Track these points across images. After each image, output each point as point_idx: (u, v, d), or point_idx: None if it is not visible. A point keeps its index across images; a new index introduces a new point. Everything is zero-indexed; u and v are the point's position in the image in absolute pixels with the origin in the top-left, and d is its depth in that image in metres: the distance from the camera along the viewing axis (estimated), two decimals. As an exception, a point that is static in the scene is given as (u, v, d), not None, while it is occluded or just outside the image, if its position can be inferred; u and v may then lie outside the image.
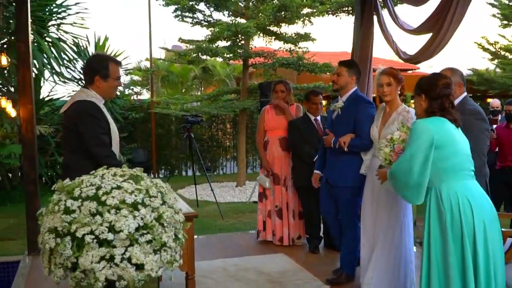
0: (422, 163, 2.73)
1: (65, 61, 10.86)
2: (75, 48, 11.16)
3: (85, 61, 5.96)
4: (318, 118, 5.22)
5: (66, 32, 10.74)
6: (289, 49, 10.95)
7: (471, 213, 2.69)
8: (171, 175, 12.03)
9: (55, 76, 10.70)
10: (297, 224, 5.49)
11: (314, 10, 10.04)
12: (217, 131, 13.10)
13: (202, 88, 19.23)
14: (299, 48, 11.38)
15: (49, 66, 10.24)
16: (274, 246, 5.40)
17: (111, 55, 11.60)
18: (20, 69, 5.08)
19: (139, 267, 1.97)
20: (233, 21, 9.82)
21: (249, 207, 8.76)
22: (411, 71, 20.47)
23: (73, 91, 12.02)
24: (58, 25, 10.61)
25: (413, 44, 5.25)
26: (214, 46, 9.85)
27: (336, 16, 10.42)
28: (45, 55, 9.92)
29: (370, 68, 6.24)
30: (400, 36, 6.29)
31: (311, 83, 10.85)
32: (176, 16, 10.37)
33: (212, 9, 10.54)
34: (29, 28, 5.14)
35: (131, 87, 16.22)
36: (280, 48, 11.36)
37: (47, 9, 10.37)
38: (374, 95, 6.20)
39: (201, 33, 13.54)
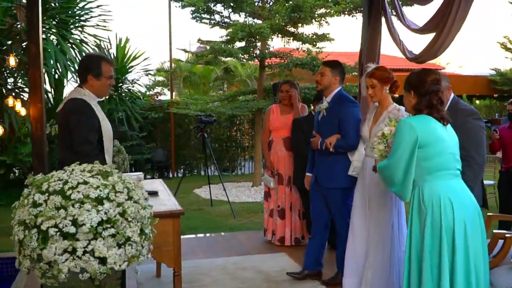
0: (407, 162, 2.72)
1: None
2: (97, 50, 11.42)
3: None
4: None
5: (89, 34, 11.01)
6: (306, 50, 10.95)
7: (452, 213, 2.67)
8: (184, 175, 12.14)
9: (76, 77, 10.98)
10: (301, 224, 5.51)
11: (329, 10, 10.00)
12: (236, 131, 13.18)
13: (226, 89, 19.37)
14: (317, 48, 11.38)
15: (71, 68, 10.52)
16: (276, 246, 5.43)
17: (131, 55, 11.85)
18: (31, 70, 5.22)
19: (103, 260, 2.03)
20: (247, 22, 9.87)
21: (262, 207, 8.76)
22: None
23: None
24: (81, 27, 10.87)
25: (421, 43, 5.20)
26: (228, 47, 9.90)
27: (352, 16, 10.36)
28: (67, 56, 10.18)
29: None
30: (408, 35, 6.20)
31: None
32: (194, 18, 10.49)
33: (229, 10, 10.62)
34: (40, 30, 5.28)
35: (155, 88, 16.50)
36: (297, 48, 11.36)
37: (70, 12, 10.64)
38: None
39: (220, 34, 13.69)
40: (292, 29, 11.12)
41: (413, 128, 2.73)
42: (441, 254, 2.62)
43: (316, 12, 10.01)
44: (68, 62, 10.31)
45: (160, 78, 18.38)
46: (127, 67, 11.88)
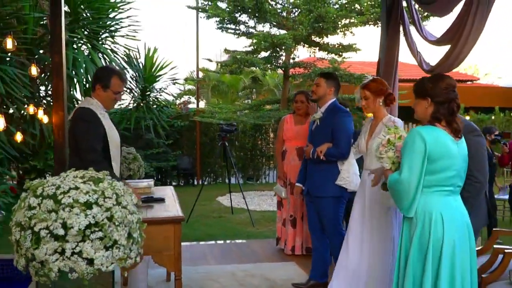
0: (419, 174, 2.62)
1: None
2: (126, 59, 11.76)
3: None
4: None
5: (119, 44, 11.34)
6: (330, 59, 11.01)
7: (442, 230, 2.61)
8: (209, 182, 12.26)
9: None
10: (313, 233, 5.54)
11: (353, 21, 10.03)
12: (260, 140, 13.28)
13: (254, 97, 19.53)
14: (343, 58, 11.43)
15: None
16: (287, 256, 5.48)
17: (158, 64, 12.13)
18: (54, 79, 5.45)
19: (90, 261, 2.15)
20: (271, 33, 9.99)
21: (282, 216, 8.85)
22: (470, 82, 19.75)
23: (122, 99, 12.66)
24: (112, 37, 11.20)
25: (440, 54, 5.17)
26: (250, 56, 10.04)
27: (377, 26, 10.36)
28: (97, 66, 10.51)
29: (396, 77, 6.21)
30: (426, 46, 6.17)
31: (351, 94, 10.82)
32: (219, 28, 10.68)
33: (254, 20, 10.78)
34: (63, 40, 5.51)
35: (183, 96, 16.81)
36: (322, 58, 11.44)
37: (100, 22, 10.99)
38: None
39: (245, 44, 13.86)
40: (317, 39, 11.21)
41: (424, 140, 2.62)
42: (425, 269, 2.60)
43: (340, 23, 10.04)
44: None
45: (190, 87, 18.69)
46: (155, 76, 12.17)
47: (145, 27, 11.90)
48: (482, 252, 3.43)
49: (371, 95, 3.73)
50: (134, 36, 11.36)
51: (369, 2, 10.19)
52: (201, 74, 17.09)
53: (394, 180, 2.75)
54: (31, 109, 4.96)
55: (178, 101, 14.85)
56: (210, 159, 12.54)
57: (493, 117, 15.00)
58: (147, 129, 11.75)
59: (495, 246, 3.13)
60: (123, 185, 2.42)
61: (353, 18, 10.04)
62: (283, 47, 10.24)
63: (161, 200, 3.86)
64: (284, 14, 10.83)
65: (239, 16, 10.60)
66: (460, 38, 4.78)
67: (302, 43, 11.25)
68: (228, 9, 10.46)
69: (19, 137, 4.90)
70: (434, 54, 5.45)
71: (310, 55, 12.04)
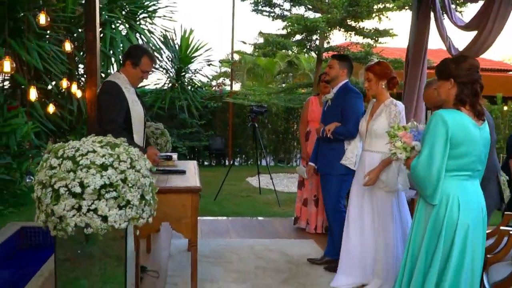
0: (440, 157, 2.60)
1: (155, 52, 11.71)
2: (162, 40, 12.01)
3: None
4: None
5: (156, 25, 11.58)
6: (365, 44, 10.94)
7: (458, 214, 2.63)
8: (240, 163, 12.40)
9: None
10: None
11: (388, 5, 9.91)
12: (292, 123, 13.34)
13: (291, 81, 19.53)
14: (379, 43, 11.33)
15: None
16: (307, 234, 5.59)
17: (194, 46, 12.32)
18: (88, 56, 5.68)
19: (105, 218, 2.33)
20: (306, 16, 9.99)
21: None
22: (510, 72, 19.14)
23: (158, 79, 12.96)
24: (149, 17, 11.44)
25: (468, 41, 5.13)
26: (282, 39, 10.08)
27: (413, 11, 10.19)
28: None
29: (424, 62, 6.18)
30: (456, 32, 6.07)
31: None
32: (254, 10, 10.75)
33: (290, 3, 10.79)
34: (97, 18, 5.72)
35: (219, 78, 17.01)
36: (357, 43, 11.37)
37: (138, 3, 11.23)
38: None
39: (280, 27, 13.76)
40: (353, 24, 11.14)
41: (446, 124, 2.58)
42: (436, 250, 2.64)
43: (374, 7, 9.94)
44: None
45: (226, 69, 18.87)
46: (190, 57, 12.38)
47: (182, 9, 12.19)
48: (492, 234, 3.45)
49: (374, 77, 3.81)
50: (171, 17, 11.61)
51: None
52: (237, 57, 17.23)
53: (414, 165, 2.71)
54: (64, 83, 5.18)
55: (213, 83, 15.06)
56: (242, 141, 12.70)
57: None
58: (181, 109, 12.01)
59: (501, 228, 3.16)
60: (139, 151, 2.58)
61: (388, 2, 9.92)
62: (317, 31, 10.22)
63: (182, 172, 4.03)
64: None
65: (274, -2, 10.64)
66: (486, 24, 4.76)
67: (337, 27, 11.18)
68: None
69: (51, 108, 5.14)
70: (464, 40, 5.40)
71: (345, 40, 11.95)
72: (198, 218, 6.26)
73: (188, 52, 12.26)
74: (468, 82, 2.65)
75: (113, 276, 2.64)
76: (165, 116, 11.72)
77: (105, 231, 2.33)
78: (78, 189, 2.28)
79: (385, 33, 10.93)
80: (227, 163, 12.92)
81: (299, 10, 11.27)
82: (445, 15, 5.76)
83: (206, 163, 13.11)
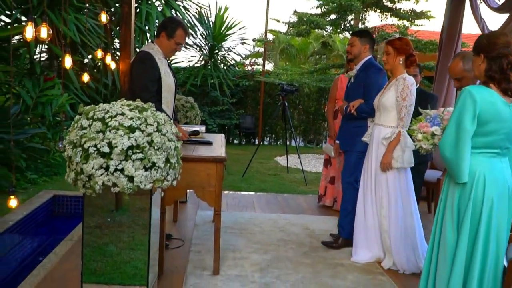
0: (468, 134, 2.58)
1: (189, 29, 11.81)
2: (197, 16, 12.08)
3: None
4: None
5: (191, 1, 11.64)
6: (401, 25, 10.77)
7: (483, 191, 2.63)
8: (270, 143, 12.42)
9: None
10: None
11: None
12: (324, 104, 13.28)
13: (324, 62, 19.38)
14: (415, 25, 11.14)
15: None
16: (331, 211, 5.64)
17: (228, 24, 12.36)
18: (123, 28, 5.81)
19: (131, 178, 2.44)
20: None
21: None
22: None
23: (191, 56, 13.08)
24: (185, -7, 11.51)
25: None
26: (317, 18, 10.01)
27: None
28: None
29: (458, 44, 6.09)
30: (492, 15, 5.91)
31: (423, 62, 10.57)
32: (289, -12, 10.66)
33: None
34: (133, -8, 5.84)
35: (253, 58, 17.02)
36: (393, 24, 11.20)
37: (174, -21, 11.30)
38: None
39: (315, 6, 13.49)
40: (389, 4, 10.97)
41: (475, 100, 2.56)
42: (462, 228, 2.66)
43: (412, -13, 9.76)
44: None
45: (260, 49, 18.83)
46: (224, 35, 12.42)
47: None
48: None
49: (393, 51, 3.82)
50: (207, -6, 11.69)
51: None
52: (271, 37, 17.17)
53: (441, 143, 2.71)
54: (99, 53, 5.31)
55: (246, 62, 15.09)
56: (272, 120, 12.77)
57: None
58: (213, 87, 12.11)
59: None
60: (166, 116, 2.67)
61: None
62: (352, 10, 10.10)
63: (209, 143, 4.13)
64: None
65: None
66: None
67: (373, 7, 11.03)
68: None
69: (86, 78, 5.29)
70: (498, 23, 5.29)
71: (381, 21, 11.79)
72: (225, 192, 6.47)
73: (222, 30, 12.30)
74: (496, 57, 2.61)
75: (140, 243, 2.77)
76: (197, 93, 11.85)
77: (131, 190, 2.44)
78: (106, 149, 2.39)
79: (422, 14, 10.73)
80: (256, 142, 13.01)
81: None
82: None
83: (236, 141, 13.23)
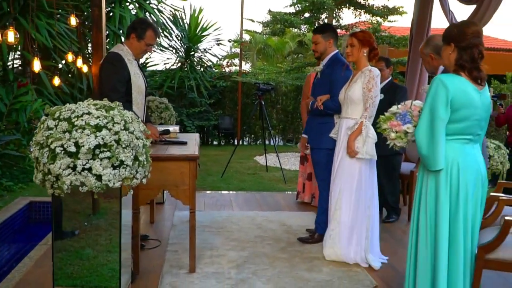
0: (442, 121, 2.61)
1: (164, 31, 11.78)
2: (172, 19, 12.07)
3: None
4: None
5: (165, 4, 11.61)
6: (375, 22, 10.90)
7: (457, 177, 2.67)
8: (249, 143, 12.46)
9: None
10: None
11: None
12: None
13: (301, 61, 19.46)
14: (389, 21, 11.28)
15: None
16: (309, 207, 5.69)
17: (203, 25, 12.37)
18: (94, 31, 5.77)
19: (99, 177, 2.44)
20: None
21: (313, 175, 9.04)
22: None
23: (167, 58, 13.06)
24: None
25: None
26: (290, 17, 10.07)
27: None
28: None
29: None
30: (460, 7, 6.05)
31: (396, 57, 10.70)
32: (262, -12, 10.72)
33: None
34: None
35: (231, 59, 17.04)
36: (368, 21, 11.33)
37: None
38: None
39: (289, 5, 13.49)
40: (362, 1, 11.09)
41: (447, 88, 2.59)
42: (441, 216, 2.70)
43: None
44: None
45: (237, 50, 18.84)
46: (200, 36, 12.42)
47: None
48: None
49: (357, 43, 3.87)
50: (181, -4, 11.68)
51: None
52: (247, 37, 17.21)
53: (416, 132, 2.74)
54: (70, 57, 5.28)
55: (223, 63, 15.11)
56: (251, 120, 12.80)
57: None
58: (190, 89, 12.10)
59: (491, 193, 3.21)
60: (133, 114, 2.68)
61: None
62: (325, 8, 10.18)
63: (183, 143, 4.13)
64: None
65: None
66: (483, -1, 4.76)
67: (346, 4, 11.14)
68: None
69: (57, 81, 5.26)
70: (467, 15, 5.39)
71: (355, 18, 11.90)
72: (204, 192, 6.46)
73: (197, 32, 12.31)
74: (466, 47, 2.64)
75: (117, 246, 2.80)
76: (174, 95, 11.83)
77: (100, 189, 2.44)
78: (73, 149, 2.38)
79: (394, 10, 10.88)
80: (236, 142, 13.03)
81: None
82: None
83: (215, 142, 13.23)
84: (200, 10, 12.31)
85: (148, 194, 3.58)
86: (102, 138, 2.43)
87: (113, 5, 10.05)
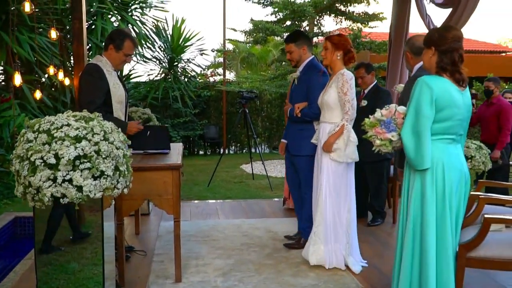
0: (428, 121, 2.68)
1: (147, 43, 11.78)
2: (154, 30, 12.07)
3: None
4: None
5: (147, 15, 11.61)
6: (356, 28, 11.02)
7: (443, 176, 2.73)
8: (235, 152, 12.47)
9: (136, 56, 11.70)
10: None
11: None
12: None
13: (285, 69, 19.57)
14: (369, 27, 11.42)
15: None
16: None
17: (186, 35, 12.38)
18: (75, 44, 5.77)
19: (80, 188, 2.44)
20: (289, 1, 10.05)
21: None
22: (504, 53, 19.28)
23: (151, 69, 13.06)
24: (141, 8, 11.48)
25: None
26: (272, 25, 10.16)
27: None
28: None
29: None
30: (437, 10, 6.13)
31: (378, 62, 10.83)
32: (244, -2, 10.82)
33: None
34: (84, 7, 5.81)
35: (215, 68, 17.08)
36: (349, 27, 11.44)
37: (129, -6, 11.28)
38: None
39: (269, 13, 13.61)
40: (342, 8, 11.21)
41: (431, 88, 2.67)
42: (427, 214, 2.75)
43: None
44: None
45: (221, 59, 18.90)
46: (183, 46, 12.44)
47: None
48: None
49: (331, 47, 3.90)
50: (163, 7, 11.67)
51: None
52: (231, 46, 17.26)
53: (402, 133, 2.78)
54: (51, 70, 5.27)
55: (208, 73, 15.13)
56: (236, 129, 12.81)
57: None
58: (174, 99, 12.09)
59: (471, 193, 3.26)
60: (113, 125, 2.68)
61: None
62: (306, 16, 10.28)
63: (165, 152, 4.13)
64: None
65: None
66: (460, 1, 4.85)
67: (327, 11, 11.25)
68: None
69: (38, 94, 5.24)
70: (443, 18, 5.49)
71: (336, 25, 12.02)
72: (190, 202, 6.45)
73: (180, 42, 12.33)
74: (446, 50, 2.73)
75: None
76: (159, 106, 11.82)
77: (81, 200, 2.44)
78: (53, 161, 2.38)
79: (374, 16, 11.02)
80: (221, 151, 13.04)
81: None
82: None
83: (201, 152, 13.22)
84: (183, 21, 12.35)
85: (131, 205, 3.58)
86: (82, 149, 2.43)
87: (95, 18, 10.04)
